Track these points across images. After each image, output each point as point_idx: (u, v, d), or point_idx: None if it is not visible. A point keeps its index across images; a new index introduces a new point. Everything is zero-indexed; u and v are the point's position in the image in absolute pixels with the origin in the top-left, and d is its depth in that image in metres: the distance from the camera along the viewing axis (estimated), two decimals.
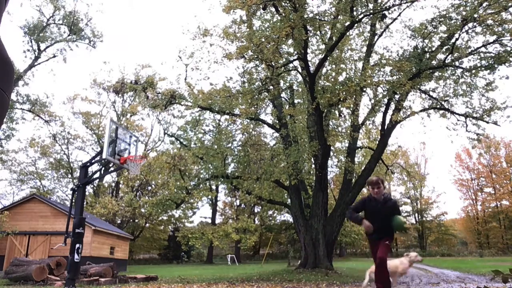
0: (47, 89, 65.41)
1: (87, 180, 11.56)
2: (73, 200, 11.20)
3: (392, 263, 6.86)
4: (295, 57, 14.28)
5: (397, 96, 14.88)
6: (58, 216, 23.09)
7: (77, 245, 10.09)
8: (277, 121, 17.96)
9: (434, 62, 13.96)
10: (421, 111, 15.81)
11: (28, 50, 25.76)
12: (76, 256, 10.00)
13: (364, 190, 18.84)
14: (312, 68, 14.11)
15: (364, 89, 14.46)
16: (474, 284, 9.58)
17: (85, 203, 23.17)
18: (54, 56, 26.92)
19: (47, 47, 26.54)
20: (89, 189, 39.84)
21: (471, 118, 15.17)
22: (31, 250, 22.47)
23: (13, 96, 24.79)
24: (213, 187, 40.79)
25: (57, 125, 38.98)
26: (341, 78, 15.16)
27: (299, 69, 15.79)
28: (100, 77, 53.68)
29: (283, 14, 12.71)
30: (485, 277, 12.24)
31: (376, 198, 5.86)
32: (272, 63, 13.34)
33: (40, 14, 25.80)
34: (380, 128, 16.68)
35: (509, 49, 13.12)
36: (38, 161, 41.23)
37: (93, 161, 12.43)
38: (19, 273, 14.72)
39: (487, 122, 14.99)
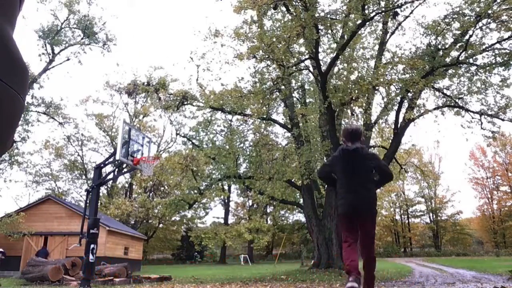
0: (61, 91, 66.28)
1: (101, 181, 11.68)
2: (88, 201, 11.33)
3: None
4: (307, 57, 14.24)
5: (410, 94, 14.73)
6: (73, 217, 23.38)
7: (92, 246, 10.20)
8: (289, 121, 17.94)
9: (447, 60, 13.79)
10: (435, 109, 15.62)
11: (43, 54, 26.12)
12: (91, 257, 10.11)
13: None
14: (323, 67, 14.05)
15: (377, 87, 14.35)
16: (491, 284, 9.43)
17: (99, 204, 23.43)
18: (68, 59, 27.27)
19: (61, 50, 26.89)
20: (103, 190, 40.24)
21: (486, 116, 14.94)
22: (49, 250, 22.75)
23: (28, 99, 25.18)
24: (226, 187, 40.93)
25: (71, 127, 39.53)
26: (353, 77, 15.06)
27: (311, 69, 15.75)
28: (113, 79, 54.28)
29: (294, 13, 12.69)
30: (502, 276, 12.05)
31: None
32: (284, 62, 13.32)
33: (54, 18, 26.17)
34: (393, 126, 16.53)
35: None
36: (53, 162, 41.87)
37: (106, 162, 12.57)
38: (35, 273, 14.95)
39: (503, 120, 14.76)
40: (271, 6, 12.73)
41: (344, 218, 4.52)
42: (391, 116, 17.26)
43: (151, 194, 43.90)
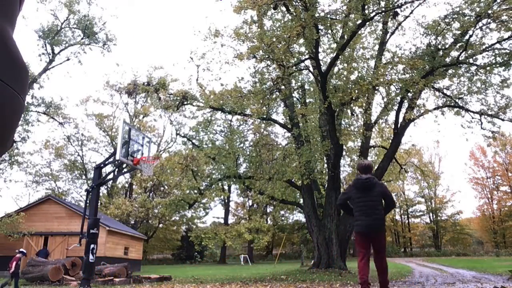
0: (62, 91, 66.29)
1: (101, 181, 11.68)
2: (88, 201, 11.33)
3: None
4: (307, 57, 14.23)
5: (410, 94, 14.73)
6: (73, 217, 23.37)
7: (92, 246, 10.20)
8: (289, 121, 17.93)
9: (447, 60, 13.79)
10: (435, 109, 15.63)
11: (43, 54, 26.12)
12: (91, 257, 10.11)
13: None
14: (323, 67, 14.05)
15: (377, 87, 14.35)
16: (491, 284, 9.43)
17: (99, 204, 23.39)
18: (68, 59, 27.27)
19: (61, 50, 26.88)
20: (103, 190, 40.24)
21: (486, 116, 14.95)
22: (49, 250, 22.74)
23: (28, 99, 25.17)
24: (226, 187, 40.92)
25: (71, 127, 39.52)
26: (353, 77, 15.07)
27: (311, 69, 15.74)
28: (113, 79, 54.35)
29: (294, 13, 12.69)
30: (502, 276, 12.05)
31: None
32: (284, 62, 13.31)
33: (54, 18, 26.17)
34: (393, 126, 16.54)
35: None
36: (53, 162, 41.86)
37: (106, 162, 12.57)
38: (35, 274, 14.95)
39: (503, 120, 14.76)
40: (271, 6, 12.72)
41: (360, 236, 5.55)
42: (391, 116, 17.27)
43: (151, 194, 43.90)
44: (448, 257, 40.71)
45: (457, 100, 15.31)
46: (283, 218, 50.61)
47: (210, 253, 49.19)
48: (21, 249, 14.84)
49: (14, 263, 13.39)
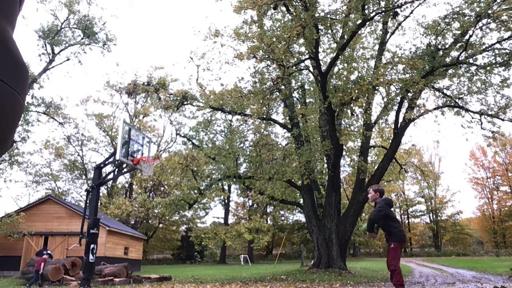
0: (62, 91, 66.23)
1: (101, 181, 11.68)
2: (88, 201, 11.33)
3: None
4: (307, 57, 14.23)
5: (410, 94, 14.73)
6: (73, 217, 23.37)
7: (92, 246, 10.20)
8: (289, 121, 17.93)
9: (447, 60, 13.79)
10: (435, 109, 15.63)
11: (43, 54, 26.11)
12: (91, 257, 10.11)
13: None
14: (323, 67, 14.05)
15: (377, 87, 14.35)
16: (491, 284, 9.44)
17: (99, 204, 23.37)
18: (68, 59, 27.26)
19: (61, 50, 26.87)
20: (103, 190, 40.22)
21: (486, 116, 14.95)
22: (49, 251, 22.73)
23: (28, 99, 25.17)
24: (226, 187, 40.90)
25: (71, 127, 39.50)
26: (353, 77, 15.06)
27: (311, 69, 15.74)
28: (113, 79, 54.31)
29: (294, 13, 12.69)
30: (502, 276, 12.06)
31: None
32: (284, 62, 13.31)
33: (54, 18, 26.16)
34: (393, 126, 16.54)
35: None
36: (53, 162, 41.82)
37: (106, 162, 12.57)
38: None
39: (503, 120, 14.76)
40: (271, 6, 12.72)
41: (401, 244, 6.45)
42: (391, 116, 17.27)
43: (151, 194, 43.88)
44: (448, 257, 40.71)
45: (457, 100, 15.31)
46: (283, 218, 50.61)
47: (210, 253, 49.15)
48: (48, 251, 15.09)
49: (42, 264, 13.80)
